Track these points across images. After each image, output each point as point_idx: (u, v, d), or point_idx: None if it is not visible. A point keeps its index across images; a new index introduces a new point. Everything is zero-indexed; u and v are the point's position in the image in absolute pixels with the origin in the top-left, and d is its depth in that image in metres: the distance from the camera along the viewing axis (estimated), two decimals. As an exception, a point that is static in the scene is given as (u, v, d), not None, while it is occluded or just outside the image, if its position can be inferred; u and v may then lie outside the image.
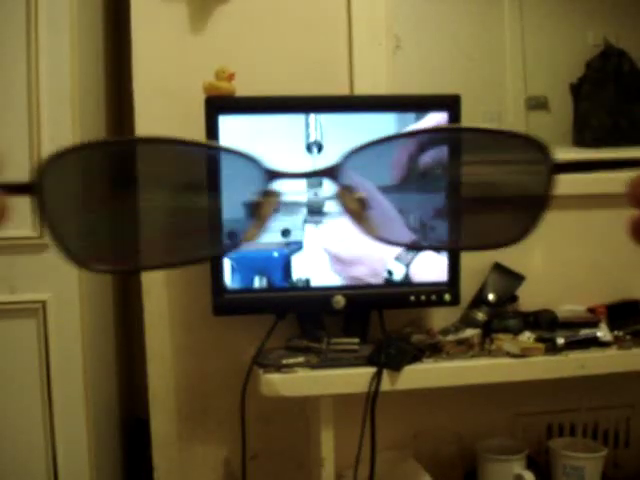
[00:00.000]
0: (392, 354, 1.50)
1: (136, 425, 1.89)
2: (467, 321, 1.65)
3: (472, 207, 0.39)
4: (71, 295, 1.52)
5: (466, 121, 1.58)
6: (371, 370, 1.48)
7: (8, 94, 1.47)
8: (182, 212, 0.35)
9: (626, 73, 2.73)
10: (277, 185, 0.35)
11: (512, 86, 3.22)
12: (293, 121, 1.52)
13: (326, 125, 1.52)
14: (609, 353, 1.57)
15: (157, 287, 1.65)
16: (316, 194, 1.52)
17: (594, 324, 1.63)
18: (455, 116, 1.55)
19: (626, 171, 0.39)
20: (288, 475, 1.75)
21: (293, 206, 1.57)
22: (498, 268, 1.72)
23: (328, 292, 1.54)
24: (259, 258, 1.54)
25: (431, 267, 1.58)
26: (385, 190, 0.38)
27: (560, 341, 1.56)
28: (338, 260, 1.54)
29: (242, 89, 1.51)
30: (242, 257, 1.54)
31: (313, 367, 1.48)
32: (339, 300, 1.53)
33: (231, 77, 1.51)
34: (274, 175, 0.35)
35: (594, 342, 1.58)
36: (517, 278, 1.71)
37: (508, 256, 1.73)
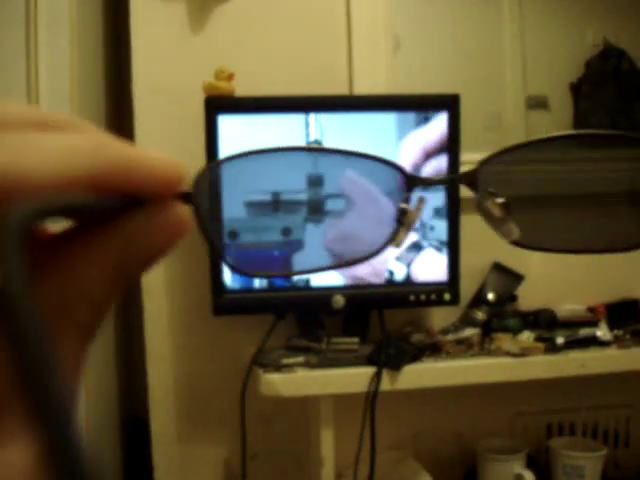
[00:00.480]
0: (392, 354, 1.50)
1: (136, 425, 1.89)
2: (467, 321, 1.65)
3: (604, 208, 0.39)
4: (71, 295, 1.52)
5: (466, 121, 1.58)
6: (371, 370, 1.48)
7: (8, 94, 1.47)
8: (332, 217, 0.36)
9: (626, 73, 2.74)
10: (419, 191, 0.35)
11: (512, 85, 3.22)
12: (293, 121, 1.52)
13: (326, 125, 1.52)
14: (609, 352, 1.57)
15: (157, 287, 1.65)
16: (316, 193, 1.52)
17: (594, 323, 1.63)
18: (455, 116, 1.55)
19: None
20: (288, 475, 1.75)
21: (293, 205, 1.57)
22: (498, 268, 1.72)
23: (328, 292, 1.54)
24: (260, 258, 1.54)
25: (431, 267, 1.58)
26: (526, 196, 0.39)
27: (560, 341, 1.56)
28: None
29: (241, 89, 1.51)
30: (242, 257, 1.53)
31: (313, 367, 1.48)
32: (339, 300, 1.53)
33: (230, 77, 1.51)
34: (415, 181, 0.35)
35: (594, 341, 1.58)
36: (517, 278, 1.71)
37: (507, 256, 1.73)
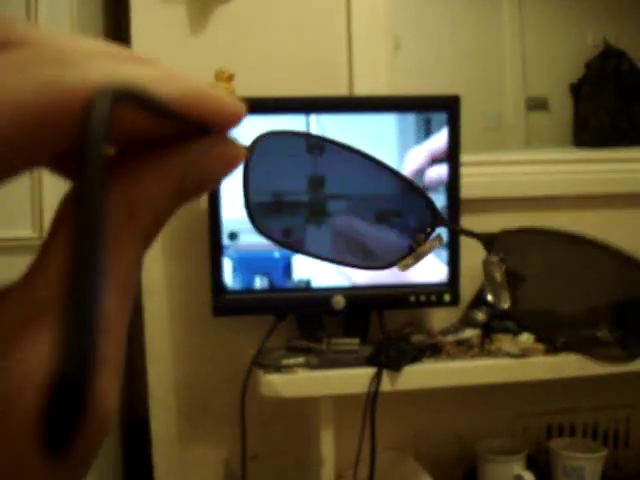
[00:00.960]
0: (392, 354, 1.50)
1: (136, 425, 1.89)
2: (467, 321, 1.65)
3: None
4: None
5: (466, 122, 1.58)
6: (371, 370, 1.48)
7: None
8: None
9: (626, 73, 2.74)
10: (439, 230, 0.36)
11: (512, 86, 3.22)
12: (293, 122, 1.52)
13: (326, 125, 1.53)
14: (609, 353, 1.57)
15: (157, 287, 1.65)
16: (317, 194, 1.52)
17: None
18: (455, 116, 1.55)
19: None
20: (288, 475, 1.75)
21: (294, 206, 1.57)
22: (498, 268, 1.72)
23: (328, 293, 1.54)
24: (260, 259, 1.54)
25: (431, 268, 1.58)
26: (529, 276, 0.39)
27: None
28: None
29: (242, 90, 1.51)
30: (243, 257, 1.54)
31: (313, 367, 1.48)
32: (339, 300, 1.53)
33: (231, 78, 1.51)
34: (440, 221, 0.36)
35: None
36: (517, 278, 1.71)
37: (508, 256, 1.73)
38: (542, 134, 3.16)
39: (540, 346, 1.54)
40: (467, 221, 1.61)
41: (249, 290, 1.55)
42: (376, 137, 1.56)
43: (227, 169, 0.24)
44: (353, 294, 1.55)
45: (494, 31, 3.18)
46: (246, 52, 1.64)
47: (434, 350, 1.55)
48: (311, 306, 1.58)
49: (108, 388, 0.20)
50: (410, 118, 1.57)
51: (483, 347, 1.58)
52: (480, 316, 1.64)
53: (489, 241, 0.37)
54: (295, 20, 1.68)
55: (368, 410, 1.50)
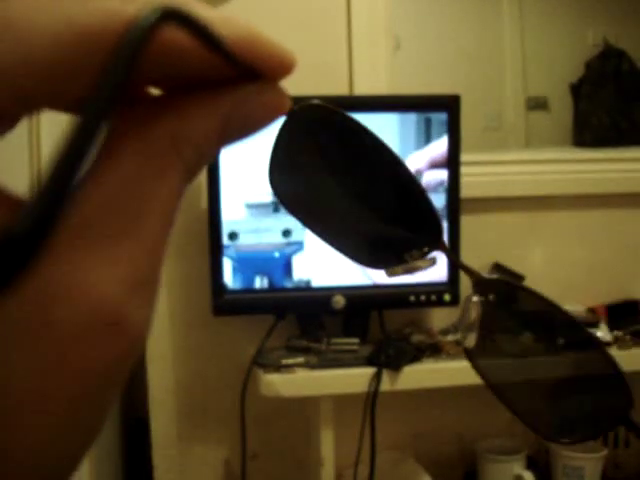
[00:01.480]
0: (392, 354, 1.50)
1: (136, 425, 1.89)
2: (467, 321, 1.64)
3: None
4: (71, 295, 1.52)
5: (466, 122, 1.58)
6: (371, 370, 1.48)
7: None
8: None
9: (626, 73, 2.74)
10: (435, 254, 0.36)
11: (512, 86, 3.22)
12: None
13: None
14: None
15: (157, 287, 1.65)
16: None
17: (594, 324, 1.63)
18: (455, 116, 1.55)
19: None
20: (288, 475, 1.75)
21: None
22: (498, 268, 1.72)
23: (328, 292, 1.54)
24: (260, 258, 1.54)
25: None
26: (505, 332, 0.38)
27: (560, 341, 1.56)
28: None
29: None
30: (243, 258, 1.54)
31: (313, 367, 1.48)
32: (339, 300, 1.53)
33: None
34: (440, 248, 0.36)
35: (594, 342, 1.58)
36: (517, 278, 1.71)
37: (508, 256, 1.73)
38: (542, 134, 3.16)
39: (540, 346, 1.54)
40: (467, 221, 1.61)
41: (249, 290, 1.55)
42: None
43: (272, 116, 0.24)
44: (353, 294, 1.55)
45: (494, 31, 3.19)
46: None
47: (434, 350, 1.55)
48: (311, 306, 1.58)
49: (141, 309, 0.21)
50: (410, 118, 1.57)
51: (483, 347, 1.58)
52: (480, 316, 1.64)
53: (480, 282, 0.36)
54: (295, 20, 1.68)
55: (368, 410, 1.50)
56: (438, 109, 1.56)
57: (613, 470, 1.82)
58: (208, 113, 0.22)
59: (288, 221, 1.52)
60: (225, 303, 1.53)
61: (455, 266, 0.35)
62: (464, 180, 1.57)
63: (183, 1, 0.19)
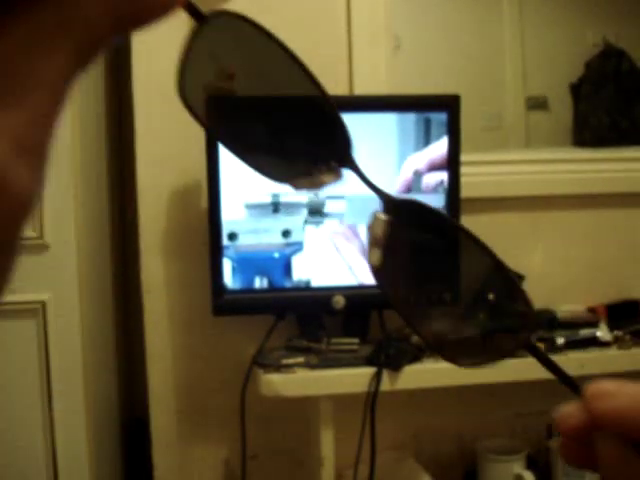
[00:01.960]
0: (392, 354, 1.50)
1: (136, 425, 1.89)
2: (467, 321, 1.64)
3: None
4: (71, 295, 1.52)
5: (466, 122, 1.58)
6: (371, 370, 1.48)
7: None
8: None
9: (626, 73, 2.73)
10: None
11: (512, 86, 3.22)
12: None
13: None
14: (609, 353, 1.57)
15: (157, 287, 1.65)
16: (316, 195, 1.52)
17: (594, 324, 1.63)
18: (455, 116, 1.55)
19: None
20: (288, 475, 1.75)
21: (293, 206, 1.57)
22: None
23: (328, 292, 1.54)
24: (260, 259, 1.54)
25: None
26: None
27: (560, 341, 1.56)
28: None
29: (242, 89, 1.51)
30: (243, 258, 1.54)
31: (313, 367, 1.48)
32: (339, 300, 1.53)
33: (231, 77, 1.51)
34: (349, 164, 0.36)
35: (594, 342, 1.58)
36: (517, 278, 1.71)
37: (507, 256, 1.72)
38: (542, 134, 3.16)
39: (540, 346, 1.54)
40: (467, 221, 1.61)
41: (249, 290, 1.55)
42: (376, 137, 1.56)
43: (162, 9, 0.25)
44: (353, 294, 1.55)
45: (494, 31, 3.18)
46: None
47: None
48: (311, 306, 1.58)
49: (27, 174, 0.22)
50: (410, 118, 1.56)
51: (483, 347, 1.58)
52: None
53: (389, 202, 0.35)
54: (295, 20, 1.68)
55: (368, 410, 1.50)
56: (438, 109, 1.56)
57: None
58: None
59: (287, 221, 1.52)
60: (225, 303, 1.53)
61: (363, 180, 0.34)
62: (464, 180, 1.57)
63: None
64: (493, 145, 2.91)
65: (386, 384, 1.48)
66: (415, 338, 1.59)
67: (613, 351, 1.57)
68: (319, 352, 1.53)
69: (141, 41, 1.62)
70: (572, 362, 1.53)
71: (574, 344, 1.56)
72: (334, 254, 1.53)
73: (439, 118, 1.56)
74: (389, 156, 1.55)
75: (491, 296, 0.35)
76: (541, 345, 1.55)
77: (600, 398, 0.27)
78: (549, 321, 1.64)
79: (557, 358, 1.53)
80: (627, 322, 1.65)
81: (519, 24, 3.19)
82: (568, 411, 0.28)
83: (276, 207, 1.50)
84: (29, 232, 1.46)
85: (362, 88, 1.68)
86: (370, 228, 0.35)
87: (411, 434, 1.78)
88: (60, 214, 1.50)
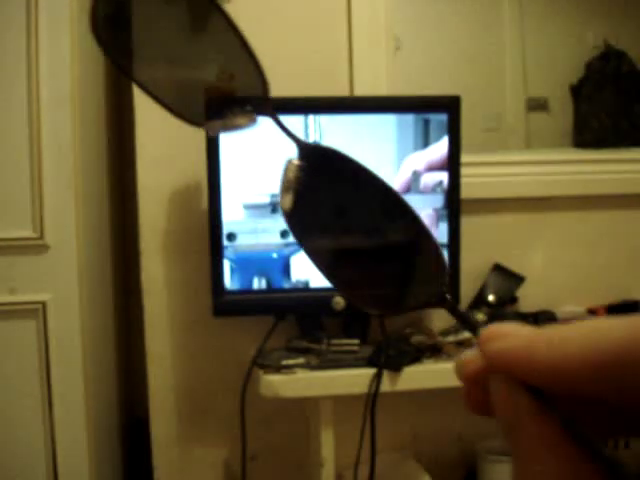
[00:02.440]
0: (392, 355, 1.50)
1: (136, 425, 1.89)
2: (467, 322, 1.64)
3: None
4: (71, 295, 1.52)
5: (466, 123, 1.58)
6: (371, 371, 1.48)
7: (9, 96, 1.47)
8: None
9: (626, 74, 2.74)
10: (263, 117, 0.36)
11: (512, 87, 3.22)
12: (292, 122, 1.52)
13: (326, 126, 1.53)
14: (609, 354, 1.57)
15: (157, 287, 1.65)
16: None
17: (594, 325, 1.63)
18: (455, 117, 1.55)
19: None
20: (288, 476, 1.75)
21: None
22: (498, 269, 1.72)
23: (328, 293, 1.54)
24: (258, 259, 1.54)
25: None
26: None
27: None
28: None
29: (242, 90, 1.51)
30: (241, 258, 1.54)
31: (313, 368, 1.48)
32: (339, 301, 1.53)
33: (231, 77, 1.51)
34: (265, 110, 0.37)
35: (594, 343, 1.58)
36: (517, 279, 1.71)
37: (508, 257, 1.73)
38: (542, 135, 3.16)
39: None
40: (467, 222, 1.61)
41: (249, 290, 1.55)
42: (375, 137, 1.56)
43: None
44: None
45: (494, 32, 3.18)
46: (246, 53, 1.64)
47: (434, 351, 1.55)
48: (311, 306, 1.58)
49: None
50: (408, 119, 1.57)
51: (483, 348, 1.58)
52: (480, 317, 1.64)
53: (303, 147, 0.36)
54: (296, 21, 1.68)
55: (368, 410, 1.50)
56: (438, 110, 1.56)
57: None
58: None
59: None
60: (225, 304, 1.53)
61: (282, 130, 0.34)
62: (464, 181, 1.57)
63: None
64: (493, 146, 2.91)
65: (386, 385, 1.48)
66: (415, 339, 1.59)
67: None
68: (319, 353, 1.53)
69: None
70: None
71: (574, 345, 1.56)
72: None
73: (438, 119, 1.56)
74: (388, 156, 1.55)
75: (404, 246, 0.35)
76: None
77: (493, 340, 0.26)
78: (549, 322, 1.64)
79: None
80: (627, 323, 1.65)
81: (519, 25, 3.19)
82: (467, 357, 0.27)
83: (274, 207, 1.50)
84: (29, 232, 1.47)
85: (362, 89, 1.68)
86: (283, 173, 0.35)
87: (411, 435, 1.78)
88: (60, 215, 1.50)
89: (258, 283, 1.55)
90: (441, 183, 1.56)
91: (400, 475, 1.67)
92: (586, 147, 2.53)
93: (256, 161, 1.50)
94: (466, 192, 1.59)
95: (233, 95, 0.36)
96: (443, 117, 1.56)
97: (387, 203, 0.35)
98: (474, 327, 0.30)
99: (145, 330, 1.66)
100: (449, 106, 1.55)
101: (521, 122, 3.23)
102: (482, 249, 1.73)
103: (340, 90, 1.68)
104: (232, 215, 1.51)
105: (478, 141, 2.62)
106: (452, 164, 1.55)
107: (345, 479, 1.63)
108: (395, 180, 1.53)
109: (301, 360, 1.50)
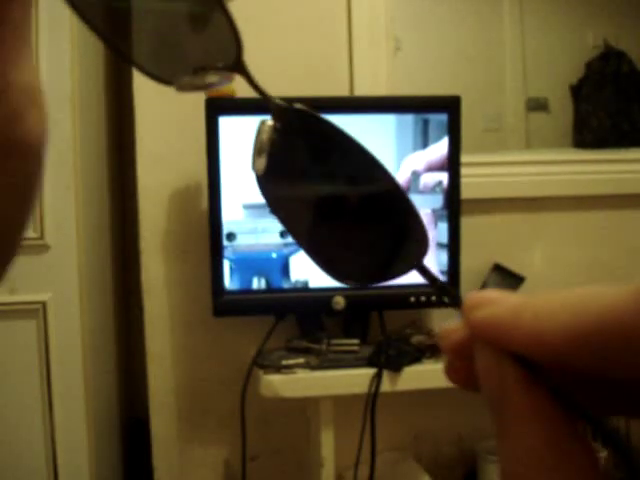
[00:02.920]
0: (392, 355, 1.50)
1: (136, 425, 1.89)
2: (467, 322, 1.64)
3: None
4: (71, 295, 1.52)
5: (466, 123, 1.58)
6: (371, 371, 1.48)
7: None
8: None
9: (626, 74, 2.74)
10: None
11: (512, 87, 3.22)
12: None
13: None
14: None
15: (157, 287, 1.65)
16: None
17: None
18: (455, 117, 1.55)
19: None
20: (288, 476, 1.75)
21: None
22: (498, 269, 1.72)
23: (328, 293, 1.54)
24: (258, 259, 1.54)
25: (431, 268, 1.58)
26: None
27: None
28: None
29: (242, 91, 1.51)
30: (241, 258, 1.54)
31: (313, 368, 1.48)
32: (339, 301, 1.53)
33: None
34: (238, 69, 0.36)
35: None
36: (517, 279, 1.71)
37: (508, 257, 1.73)
38: (542, 135, 3.16)
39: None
40: (467, 222, 1.61)
41: (249, 290, 1.55)
42: (375, 137, 1.56)
43: None
44: (353, 294, 1.55)
45: (494, 32, 3.19)
46: (247, 53, 1.64)
47: (434, 351, 1.55)
48: (311, 306, 1.58)
49: (33, 115, 0.26)
50: (408, 119, 1.57)
51: (483, 348, 1.58)
52: (480, 317, 1.64)
53: (277, 109, 0.34)
54: (296, 21, 1.68)
55: (368, 410, 1.50)
56: (438, 110, 1.56)
57: (613, 470, 1.82)
58: None
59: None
60: (225, 304, 1.53)
61: (256, 90, 0.32)
62: (464, 181, 1.57)
63: None
64: (493, 146, 2.91)
65: (386, 385, 1.48)
66: (415, 339, 1.59)
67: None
68: (319, 353, 1.53)
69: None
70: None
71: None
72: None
73: (437, 119, 1.56)
74: (387, 156, 1.55)
75: (384, 210, 0.33)
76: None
77: (478, 307, 0.25)
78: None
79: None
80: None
81: (519, 25, 3.20)
82: (450, 327, 0.26)
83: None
84: (30, 232, 1.47)
85: (363, 89, 1.68)
86: (256, 135, 0.34)
87: (411, 435, 1.78)
88: (61, 215, 1.50)
89: (258, 283, 1.55)
90: (440, 183, 1.56)
91: (400, 475, 1.67)
92: (586, 147, 2.53)
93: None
94: (466, 192, 1.59)
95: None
96: (443, 117, 1.56)
97: (364, 166, 0.33)
98: (455, 296, 0.29)
99: (145, 330, 1.66)
100: (449, 106, 1.55)
101: (521, 122, 3.23)
102: (482, 249, 1.73)
103: (340, 90, 1.68)
104: (232, 215, 1.51)
105: (478, 141, 2.62)
106: (452, 164, 1.55)
107: (345, 479, 1.63)
108: (395, 180, 1.53)
109: (301, 360, 1.50)
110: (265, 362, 1.52)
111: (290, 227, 0.35)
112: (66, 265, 1.52)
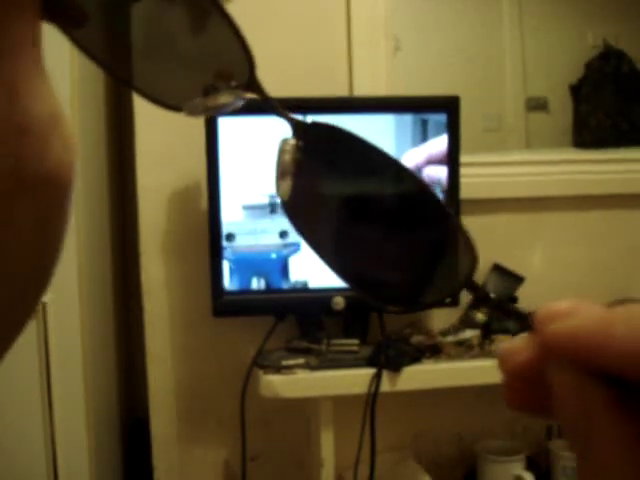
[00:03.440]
0: (392, 355, 1.50)
1: (136, 425, 1.89)
2: (467, 322, 1.65)
3: None
4: (71, 295, 1.52)
5: (466, 123, 1.58)
6: (371, 371, 1.48)
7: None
8: None
9: (626, 74, 2.74)
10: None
11: (512, 87, 3.22)
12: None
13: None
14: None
15: (157, 288, 1.65)
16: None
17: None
18: (454, 117, 1.55)
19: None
20: (288, 476, 1.75)
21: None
22: (498, 269, 1.72)
23: (328, 293, 1.54)
24: (257, 260, 1.54)
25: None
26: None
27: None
28: None
29: (242, 90, 1.51)
30: (240, 259, 1.54)
31: (313, 368, 1.49)
32: (339, 301, 1.53)
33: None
34: (254, 88, 0.33)
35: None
36: (517, 279, 1.71)
37: (508, 257, 1.73)
38: (542, 135, 3.16)
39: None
40: (467, 222, 1.60)
41: (248, 291, 1.55)
42: (374, 138, 1.56)
43: None
44: (353, 295, 1.55)
45: (494, 32, 3.19)
46: (246, 53, 1.64)
47: (434, 351, 1.55)
48: (311, 307, 1.58)
49: (59, 144, 0.25)
50: (407, 119, 1.57)
51: (483, 348, 1.58)
52: (480, 317, 1.64)
53: (299, 126, 0.31)
54: (295, 22, 1.68)
55: (368, 410, 1.50)
56: (438, 110, 1.56)
57: None
58: None
59: (285, 222, 1.50)
60: (225, 304, 1.53)
61: (264, 100, 0.29)
62: (464, 181, 1.57)
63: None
64: (493, 146, 2.91)
65: (386, 385, 1.48)
66: (415, 339, 1.59)
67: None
68: (319, 353, 1.53)
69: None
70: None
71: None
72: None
73: (436, 119, 1.56)
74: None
75: (424, 230, 0.30)
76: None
77: (554, 320, 0.22)
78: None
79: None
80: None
81: (519, 25, 3.20)
82: (514, 346, 0.23)
83: (273, 208, 1.50)
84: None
85: (362, 89, 1.68)
86: (278, 155, 0.31)
87: (411, 435, 1.78)
88: (60, 215, 1.50)
89: (257, 284, 1.55)
90: (440, 181, 1.55)
91: (400, 475, 1.67)
92: (586, 147, 2.53)
93: (255, 162, 1.50)
94: (466, 192, 1.59)
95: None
96: (441, 117, 1.56)
97: (400, 182, 0.30)
98: (521, 314, 0.25)
99: (145, 330, 1.66)
100: (448, 106, 1.55)
101: (521, 122, 3.23)
102: (482, 249, 1.70)
103: (339, 90, 1.68)
104: (231, 216, 1.51)
105: (478, 141, 2.62)
106: (451, 164, 1.55)
107: (345, 479, 1.63)
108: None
109: (301, 360, 1.50)
110: (265, 362, 1.52)
111: (322, 253, 0.31)
112: (66, 265, 1.52)
